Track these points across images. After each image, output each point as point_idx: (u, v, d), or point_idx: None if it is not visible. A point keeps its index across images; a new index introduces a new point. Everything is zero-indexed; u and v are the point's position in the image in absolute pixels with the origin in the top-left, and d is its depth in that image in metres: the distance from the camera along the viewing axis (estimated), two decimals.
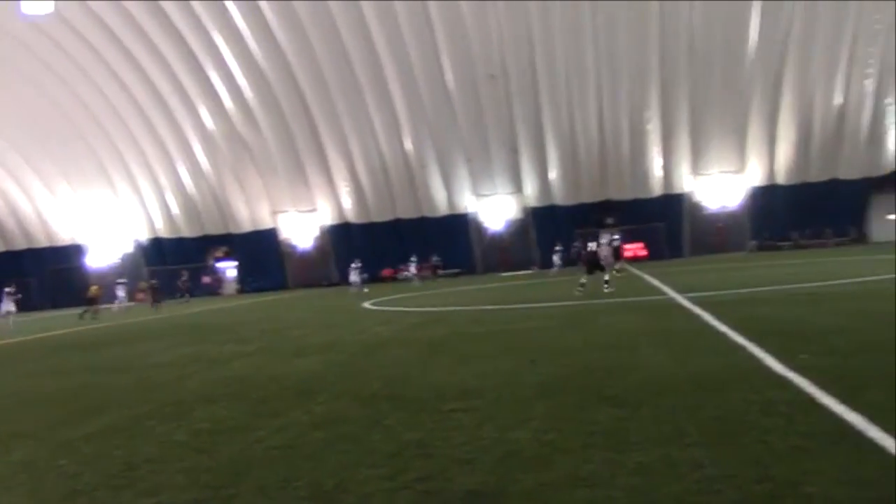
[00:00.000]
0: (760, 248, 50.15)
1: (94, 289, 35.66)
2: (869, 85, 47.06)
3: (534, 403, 6.69)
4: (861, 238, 50.27)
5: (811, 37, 45.39)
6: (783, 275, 22.87)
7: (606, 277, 21.16)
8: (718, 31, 45.36)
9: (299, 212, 55.25)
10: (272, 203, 55.28)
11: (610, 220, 52.25)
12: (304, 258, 56.71)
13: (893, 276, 18.40)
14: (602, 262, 22.19)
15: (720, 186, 50.92)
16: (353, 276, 40.21)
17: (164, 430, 6.81)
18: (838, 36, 45.35)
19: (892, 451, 4.47)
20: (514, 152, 50.67)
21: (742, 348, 8.83)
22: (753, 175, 50.56)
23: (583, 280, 21.10)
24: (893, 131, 48.49)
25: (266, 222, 55.90)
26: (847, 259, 29.59)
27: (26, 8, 42.71)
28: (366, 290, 37.51)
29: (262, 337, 16.12)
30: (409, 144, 51.15)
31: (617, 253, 30.79)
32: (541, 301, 20.21)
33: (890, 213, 50.58)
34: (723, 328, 10.71)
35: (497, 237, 54.25)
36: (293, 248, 56.65)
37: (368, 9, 45.57)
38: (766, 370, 7.35)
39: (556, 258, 41.56)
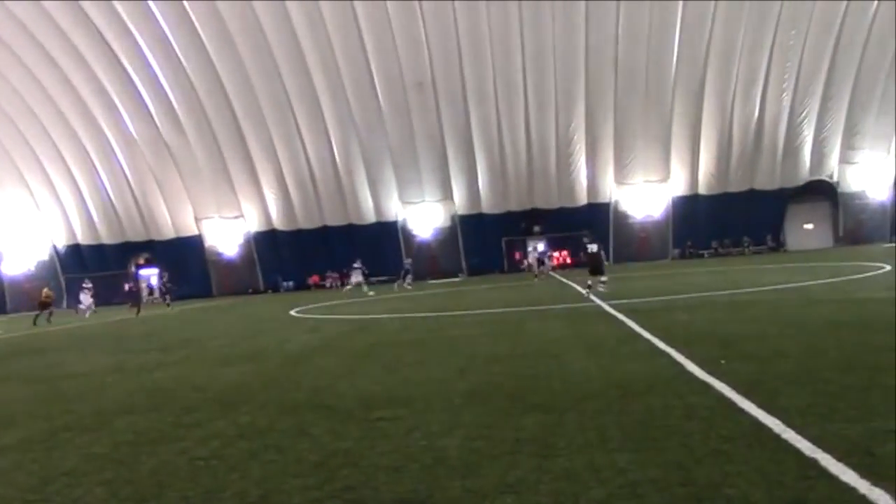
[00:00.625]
0: (682, 256, 51.40)
1: (45, 292, 34.64)
2: (785, 99, 48.81)
3: (462, 411, 6.71)
4: (778, 247, 52.00)
5: (731, 52, 46.86)
6: (704, 282, 23.48)
7: (604, 279, 21.19)
8: (642, 45, 46.42)
9: (224, 218, 54.32)
10: (196, 209, 54.24)
11: (537, 229, 53.04)
12: (230, 265, 55.76)
13: (808, 283, 19.05)
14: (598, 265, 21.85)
15: (644, 196, 52.00)
16: (355, 277, 38.09)
17: (83, 442, 6.61)
18: (757, 52, 46.94)
19: (807, 452, 4.62)
20: (441, 159, 50.91)
21: (665, 354, 9.02)
22: (676, 185, 51.79)
23: (589, 282, 21.22)
24: (809, 144, 50.34)
25: (190, 229, 54.78)
26: (764, 267, 30.52)
27: None
28: (371, 292, 35.44)
29: (186, 346, 15.79)
30: (337, 151, 50.85)
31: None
32: (470, 308, 20.29)
33: (805, 223, 52.54)
34: (646, 335, 10.92)
35: (425, 245, 54.30)
36: (218, 255, 55.64)
37: (296, 14, 45.21)
38: (688, 375, 7.52)
39: (530, 260, 41.81)
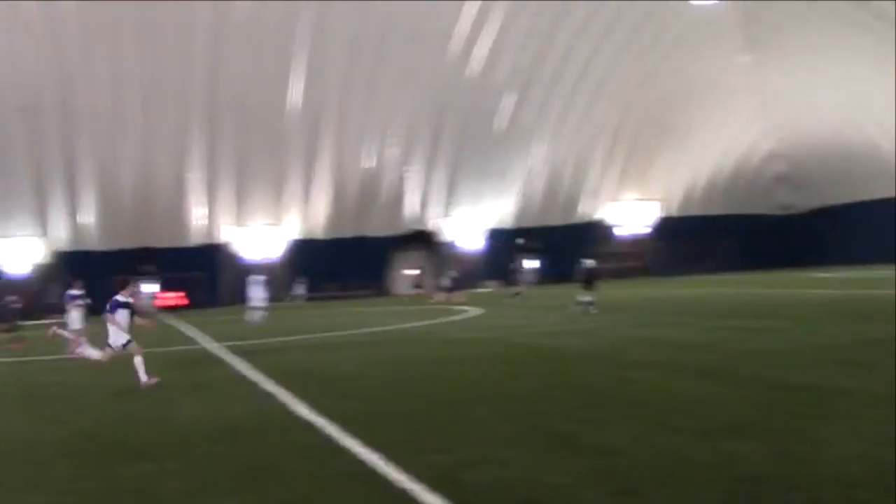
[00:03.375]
0: (293, 299, 52.26)
1: None
2: (394, 153, 52.46)
3: (52, 464, 6.19)
4: (384, 291, 55.18)
5: (345, 107, 49.21)
6: (314, 324, 24.07)
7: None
8: (262, 89, 46.79)
9: None
10: None
11: (149, 268, 50.61)
12: None
13: (410, 325, 20.44)
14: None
15: (261, 238, 52.20)
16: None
17: None
18: (368, 107, 49.84)
19: (402, 484, 4.93)
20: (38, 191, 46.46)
21: (274, 395, 9.09)
22: (293, 228, 52.78)
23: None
24: (415, 196, 54.55)
25: None
26: (371, 310, 32.15)
27: None
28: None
29: None
30: None
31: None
32: (64, 353, 18.67)
33: (407, 269, 56.60)
34: (256, 376, 10.92)
35: (18, 284, 48.91)
36: None
37: None
38: (296, 416, 7.65)
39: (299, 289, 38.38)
